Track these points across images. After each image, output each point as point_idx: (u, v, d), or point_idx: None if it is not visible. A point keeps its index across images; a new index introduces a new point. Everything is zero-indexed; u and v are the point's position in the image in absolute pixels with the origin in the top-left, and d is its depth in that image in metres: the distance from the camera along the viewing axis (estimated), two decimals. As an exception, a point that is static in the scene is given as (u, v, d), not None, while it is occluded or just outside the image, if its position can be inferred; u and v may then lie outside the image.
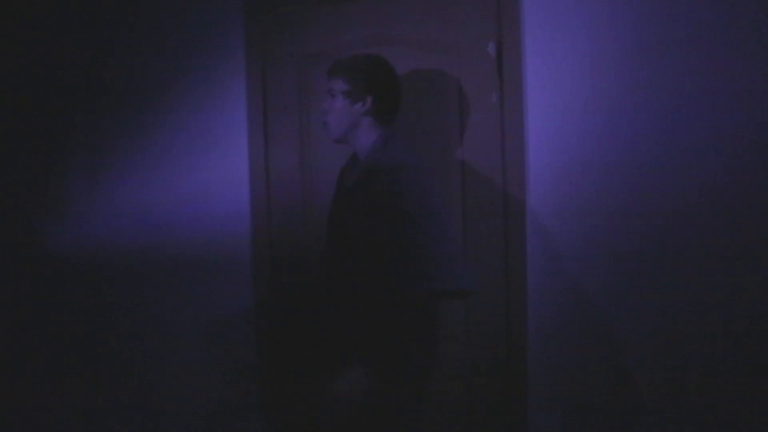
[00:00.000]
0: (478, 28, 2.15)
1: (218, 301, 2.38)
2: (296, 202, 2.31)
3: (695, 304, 1.97)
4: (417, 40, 2.20)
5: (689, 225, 1.97)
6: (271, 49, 2.32)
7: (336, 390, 1.69)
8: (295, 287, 2.01)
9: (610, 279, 2.03)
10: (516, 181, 2.10)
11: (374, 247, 1.70)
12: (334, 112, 1.86)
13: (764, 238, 1.91)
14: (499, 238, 2.14)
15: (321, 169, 2.28)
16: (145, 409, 2.47)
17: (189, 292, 2.41)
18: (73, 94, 2.50)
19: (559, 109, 2.06)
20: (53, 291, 2.53)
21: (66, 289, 2.51)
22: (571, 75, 2.05)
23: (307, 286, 1.96)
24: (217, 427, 2.40)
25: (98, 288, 2.49)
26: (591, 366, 2.06)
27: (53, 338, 2.52)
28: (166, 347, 2.44)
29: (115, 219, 2.46)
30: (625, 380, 2.03)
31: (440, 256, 1.63)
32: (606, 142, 2.03)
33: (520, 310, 2.11)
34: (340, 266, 1.80)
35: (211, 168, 2.38)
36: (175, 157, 2.42)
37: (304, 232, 2.31)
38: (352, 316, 1.76)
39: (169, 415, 2.45)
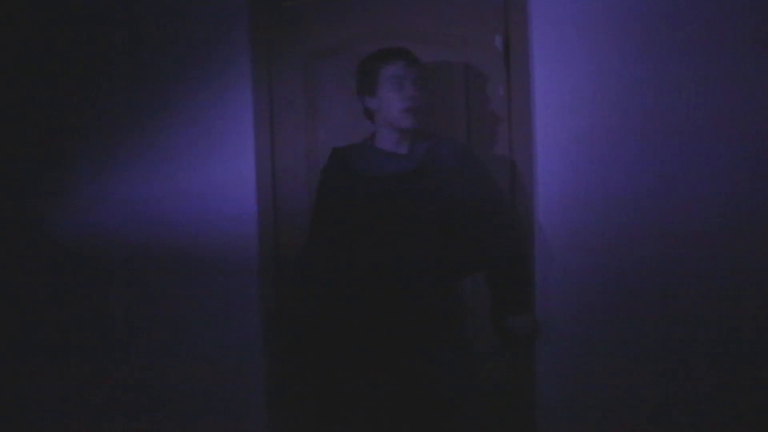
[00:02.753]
0: (485, 22, 2.13)
1: (224, 299, 2.37)
2: (303, 201, 2.28)
3: (703, 320, 1.93)
4: (424, 33, 2.18)
5: (703, 222, 1.93)
6: (277, 45, 2.31)
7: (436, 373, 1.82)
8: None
9: (621, 266, 1.99)
10: (524, 174, 2.08)
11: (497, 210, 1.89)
12: (425, 99, 1.90)
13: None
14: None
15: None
16: (146, 406, 2.46)
17: (194, 290, 2.40)
18: (82, 87, 2.51)
19: (567, 102, 2.03)
20: (56, 279, 2.52)
21: (69, 278, 2.51)
22: (578, 68, 2.02)
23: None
24: (221, 426, 2.38)
25: (102, 279, 2.49)
26: (599, 368, 2.02)
27: (56, 327, 2.52)
28: (170, 342, 2.43)
29: (119, 211, 2.46)
30: (633, 382, 1.99)
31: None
32: (615, 135, 1.99)
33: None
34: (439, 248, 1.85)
35: (217, 166, 2.37)
36: (181, 154, 2.41)
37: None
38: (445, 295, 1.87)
39: (171, 413, 2.43)
